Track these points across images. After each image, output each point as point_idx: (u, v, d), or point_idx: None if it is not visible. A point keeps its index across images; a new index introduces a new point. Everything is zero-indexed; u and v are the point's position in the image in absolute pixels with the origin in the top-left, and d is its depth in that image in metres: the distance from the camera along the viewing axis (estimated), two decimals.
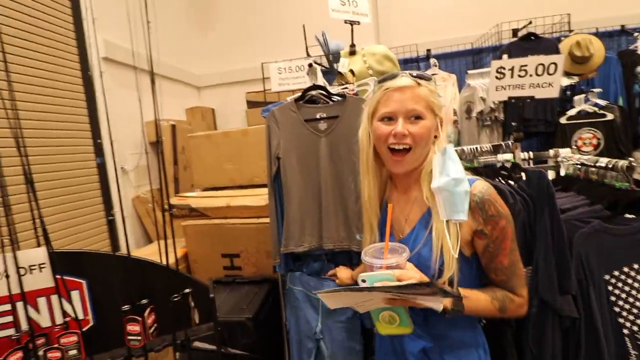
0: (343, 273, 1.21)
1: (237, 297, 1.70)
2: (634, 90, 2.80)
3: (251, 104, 3.68)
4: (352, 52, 1.47)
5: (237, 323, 1.52)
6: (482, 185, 0.78)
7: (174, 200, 2.07)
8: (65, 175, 2.10)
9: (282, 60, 1.55)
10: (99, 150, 2.49)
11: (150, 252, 1.47)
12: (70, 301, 1.02)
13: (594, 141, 2.57)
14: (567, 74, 2.66)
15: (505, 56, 2.60)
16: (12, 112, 0.94)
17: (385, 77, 0.81)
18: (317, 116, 1.23)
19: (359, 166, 0.87)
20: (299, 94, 1.27)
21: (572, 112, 2.59)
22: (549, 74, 1.06)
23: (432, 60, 3.04)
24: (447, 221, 0.75)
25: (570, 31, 2.81)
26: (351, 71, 1.37)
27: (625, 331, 1.01)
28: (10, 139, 0.94)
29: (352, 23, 1.47)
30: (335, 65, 1.58)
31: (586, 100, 2.58)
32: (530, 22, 2.70)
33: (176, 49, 3.56)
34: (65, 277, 1.02)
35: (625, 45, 3.01)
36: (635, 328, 1.00)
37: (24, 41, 1.93)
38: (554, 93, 1.09)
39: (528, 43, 2.65)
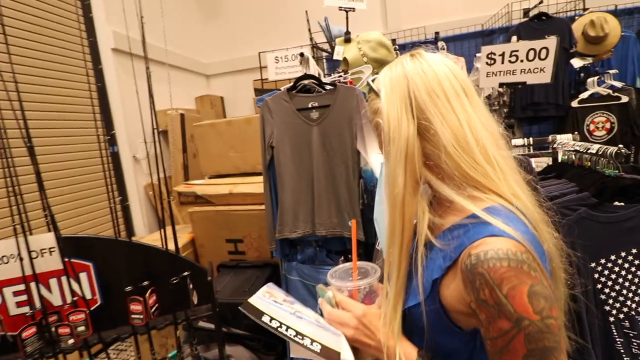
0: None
1: (241, 280, 1.78)
2: None
3: (259, 92, 3.70)
4: (347, 40, 1.46)
5: (239, 304, 1.59)
6: (490, 247, 0.46)
7: (181, 188, 2.15)
8: (78, 164, 2.21)
9: (279, 49, 1.57)
10: (112, 140, 2.61)
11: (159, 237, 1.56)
12: (78, 282, 1.11)
13: (607, 125, 2.49)
14: (581, 54, 2.56)
15: (514, 38, 2.52)
16: (18, 104, 1.00)
17: None
18: (309, 105, 1.25)
19: (393, 166, 0.55)
20: (292, 83, 1.29)
21: (584, 95, 2.50)
22: (540, 59, 1.05)
23: (440, 44, 2.97)
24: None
25: (585, 9, 2.68)
26: (345, 59, 1.37)
27: (611, 319, 1.02)
28: (16, 131, 1.01)
29: (347, 10, 1.46)
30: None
31: (600, 82, 2.48)
32: (542, 1, 2.59)
33: (184, 38, 3.60)
34: (73, 260, 1.10)
35: None
36: (621, 316, 1.01)
37: (31, 33, 2.00)
38: (546, 78, 1.07)
39: (539, 23, 2.55)
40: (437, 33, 3.24)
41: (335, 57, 1.40)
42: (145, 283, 1.11)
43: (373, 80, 0.64)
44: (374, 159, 1.14)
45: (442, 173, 0.55)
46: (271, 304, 0.63)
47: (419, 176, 0.54)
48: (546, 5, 2.63)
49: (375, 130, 0.64)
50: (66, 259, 1.06)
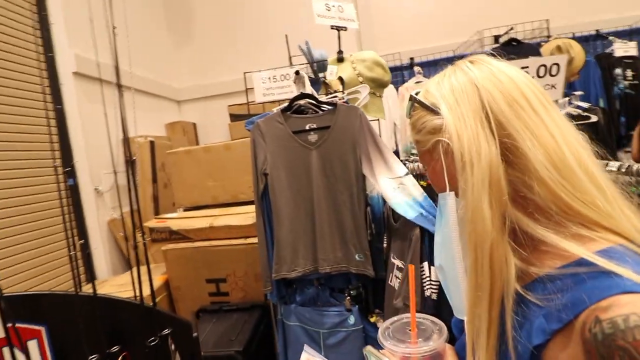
0: None
1: (225, 326, 1.56)
2: (613, 92, 2.85)
3: (234, 117, 3.56)
4: (340, 59, 1.39)
5: (225, 357, 1.37)
6: (631, 310, 0.34)
7: (153, 223, 1.92)
8: (24, 201, 1.92)
9: (265, 69, 1.46)
10: (71, 171, 2.33)
11: (128, 281, 1.33)
12: (26, 353, 0.87)
13: None
14: None
15: None
16: None
17: None
18: (307, 127, 1.13)
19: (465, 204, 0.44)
20: (286, 104, 1.17)
21: None
22: (551, 75, 1.01)
23: (417, 68, 3.02)
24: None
25: (549, 37, 2.84)
26: (340, 78, 1.28)
27: None
28: None
29: (338, 29, 1.39)
30: (320, 75, 1.50)
31: (569, 103, 2.59)
32: (512, 28, 2.71)
33: (154, 62, 3.43)
34: (19, 325, 0.86)
35: (600, 49, 3.08)
36: None
37: None
38: (557, 95, 1.03)
39: (510, 48, 2.66)
40: (412, 59, 3.32)
41: (328, 77, 1.32)
42: (115, 348, 0.89)
43: (417, 94, 0.53)
44: (383, 183, 1.03)
45: (531, 207, 0.42)
46: None
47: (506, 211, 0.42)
48: (514, 32, 2.76)
49: (424, 157, 0.52)
50: (9, 325, 0.83)
